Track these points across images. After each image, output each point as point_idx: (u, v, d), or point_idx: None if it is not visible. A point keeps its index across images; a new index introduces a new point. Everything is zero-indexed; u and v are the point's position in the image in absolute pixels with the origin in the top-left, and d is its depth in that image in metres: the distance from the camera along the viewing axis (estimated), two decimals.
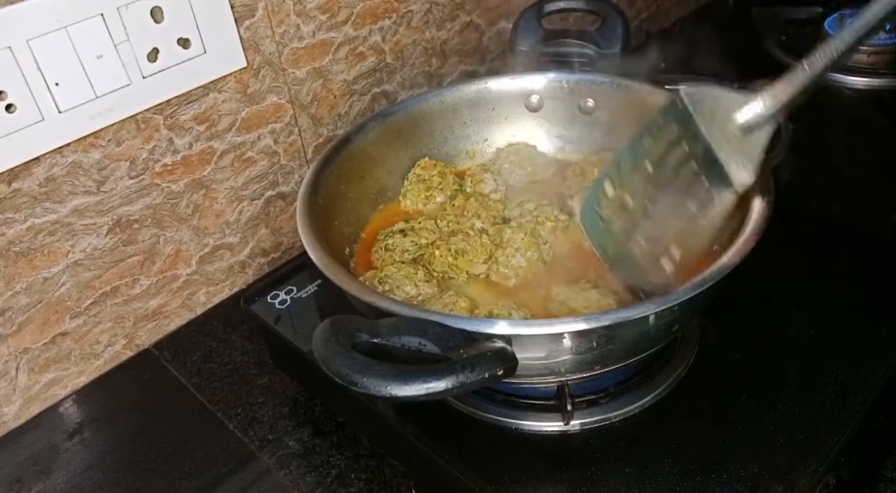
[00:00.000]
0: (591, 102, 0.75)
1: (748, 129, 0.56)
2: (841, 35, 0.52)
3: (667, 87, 0.68)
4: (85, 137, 0.66)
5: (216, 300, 0.83)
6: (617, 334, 0.51)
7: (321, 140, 0.85)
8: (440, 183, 0.73)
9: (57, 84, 0.62)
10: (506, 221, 0.70)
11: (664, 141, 0.60)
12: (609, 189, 0.60)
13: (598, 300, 0.59)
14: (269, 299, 0.71)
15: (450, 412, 0.61)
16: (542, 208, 0.69)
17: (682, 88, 0.60)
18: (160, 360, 0.77)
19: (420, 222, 0.69)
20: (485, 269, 0.65)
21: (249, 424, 0.69)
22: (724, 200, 0.58)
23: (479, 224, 0.69)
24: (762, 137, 0.56)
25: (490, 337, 0.48)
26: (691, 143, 0.59)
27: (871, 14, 0.51)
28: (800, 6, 1.18)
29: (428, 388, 0.44)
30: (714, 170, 0.58)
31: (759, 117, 0.55)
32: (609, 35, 0.84)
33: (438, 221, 0.70)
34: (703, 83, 0.59)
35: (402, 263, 0.65)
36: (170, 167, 0.73)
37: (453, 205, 0.72)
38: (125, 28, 0.64)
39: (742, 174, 0.56)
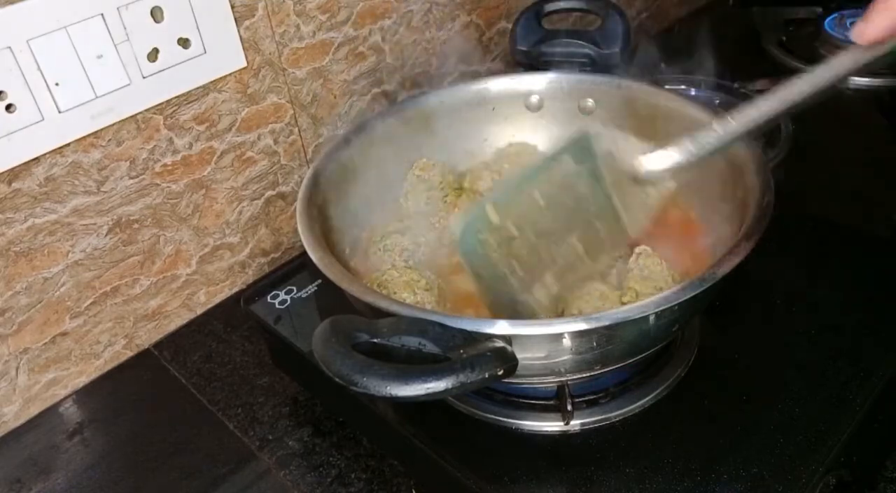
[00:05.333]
0: (590, 102, 0.75)
1: (646, 181, 0.55)
2: (759, 105, 0.51)
3: (666, 87, 0.68)
4: (85, 137, 0.66)
5: (216, 300, 0.83)
6: (617, 334, 0.51)
7: (321, 140, 0.85)
8: (441, 183, 0.73)
9: (57, 84, 0.62)
10: None
11: (560, 176, 0.58)
12: (493, 215, 0.56)
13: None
14: (269, 299, 0.71)
15: (450, 411, 0.61)
16: None
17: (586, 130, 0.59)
18: (160, 360, 0.77)
19: (415, 221, 0.69)
20: None
21: (249, 424, 0.69)
22: (615, 246, 0.57)
23: None
24: (657, 192, 0.56)
25: (490, 337, 0.48)
26: (590, 185, 0.58)
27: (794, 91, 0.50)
28: (800, 6, 1.18)
29: (428, 388, 0.44)
30: (609, 217, 0.57)
31: (661, 172, 0.54)
32: (609, 35, 0.84)
33: (432, 219, 0.70)
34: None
35: (407, 267, 0.64)
36: (170, 167, 0.73)
37: (445, 202, 0.72)
38: (125, 28, 0.64)
39: (635, 227, 0.56)
